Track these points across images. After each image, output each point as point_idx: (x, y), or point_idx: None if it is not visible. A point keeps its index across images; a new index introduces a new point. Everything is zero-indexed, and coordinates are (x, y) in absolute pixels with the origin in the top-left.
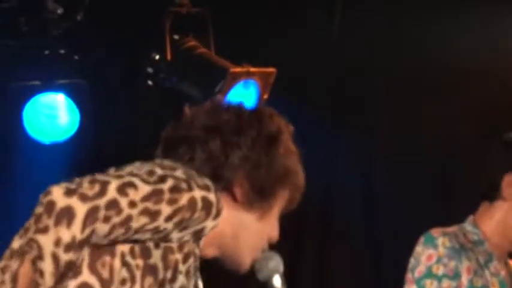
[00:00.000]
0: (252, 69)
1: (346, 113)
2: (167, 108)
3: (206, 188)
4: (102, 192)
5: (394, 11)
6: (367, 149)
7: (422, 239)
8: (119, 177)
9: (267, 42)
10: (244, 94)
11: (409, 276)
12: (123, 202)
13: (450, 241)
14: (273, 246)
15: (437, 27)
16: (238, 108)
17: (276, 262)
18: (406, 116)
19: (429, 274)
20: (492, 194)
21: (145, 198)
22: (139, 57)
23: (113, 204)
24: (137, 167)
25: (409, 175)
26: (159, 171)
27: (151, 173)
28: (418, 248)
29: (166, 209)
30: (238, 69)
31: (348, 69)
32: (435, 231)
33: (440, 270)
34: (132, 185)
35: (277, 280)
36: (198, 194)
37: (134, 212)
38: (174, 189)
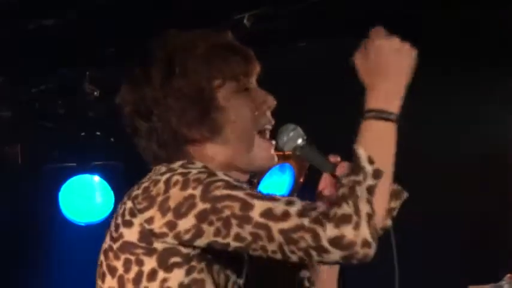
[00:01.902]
0: (288, 152)
1: None
2: None
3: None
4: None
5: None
6: None
7: None
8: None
9: (302, 118)
10: (279, 179)
11: None
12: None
13: None
14: None
15: None
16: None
17: (295, 131)
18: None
19: None
20: None
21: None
22: None
23: None
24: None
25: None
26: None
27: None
28: None
29: None
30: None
31: None
32: None
33: None
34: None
35: (301, 142)
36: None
37: None
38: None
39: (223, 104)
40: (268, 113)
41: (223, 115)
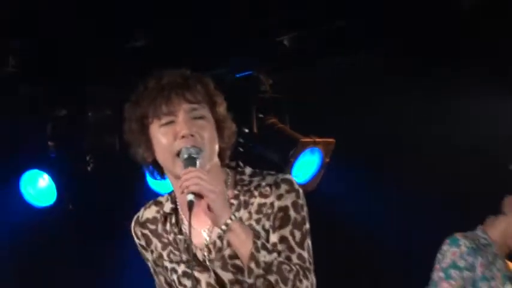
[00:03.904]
0: (317, 140)
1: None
2: None
3: None
4: None
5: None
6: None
7: (448, 241)
8: None
9: (331, 119)
10: (311, 158)
11: (437, 266)
12: None
13: (469, 242)
14: None
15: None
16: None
17: (187, 151)
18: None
19: (454, 265)
20: (497, 210)
21: None
22: None
23: None
24: None
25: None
26: None
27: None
28: (445, 247)
29: None
30: (306, 140)
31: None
32: (458, 235)
33: (462, 264)
34: None
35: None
36: None
37: None
38: None
39: (151, 135)
40: (183, 139)
41: (152, 143)
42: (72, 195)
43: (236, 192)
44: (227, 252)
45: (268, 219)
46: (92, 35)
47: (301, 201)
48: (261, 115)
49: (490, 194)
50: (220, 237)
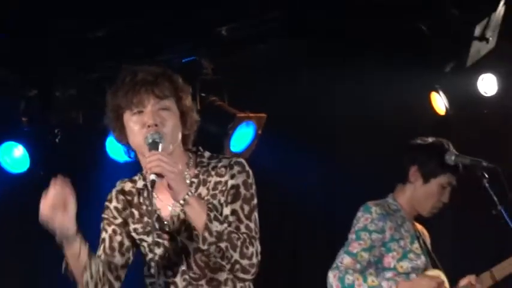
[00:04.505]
0: (251, 115)
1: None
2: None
3: None
4: None
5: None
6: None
7: (362, 208)
8: None
9: (262, 96)
10: (246, 130)
11: (351, 229)
12: None
13: (380, 209)
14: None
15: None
16: None
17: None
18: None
19: (364, 229)
20: (404, 179)
21: None
22: None
23: None
24: None
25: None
26: None
27: None
28: (359, 214)
29: None
30: (242, 115)
31: (315, 112)
32: (370, 203)
33: (372, 227)
34: None
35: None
36: None
37: None
38: None
39: (125, 122)
40: (148, 128)
41: (126, 130)
42: (43, 163)
43: (196, 172)
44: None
45: (222, 195)
46: (59, 25)
47: (251, 180)
48: (203, 94)
49: (400, 165)
50: (183, 211)
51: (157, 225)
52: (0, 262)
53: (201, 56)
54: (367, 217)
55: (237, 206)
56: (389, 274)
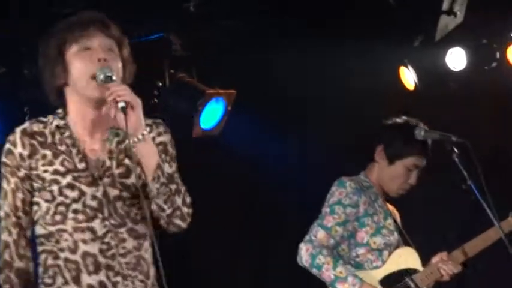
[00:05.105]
0: (220, 91)
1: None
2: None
3: None
4: None
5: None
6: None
7: (336, 182)
8: None
9: (232, 73)
10: (215, 107)
11: (325, 204)
12: None
13: (354, 184)
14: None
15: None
16: None
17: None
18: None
19: (339, 203)
20: (372, 158)
21: None
22: (147, 84)
23: None
24: None
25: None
26: None
27: None
28: (333, 188)
29: None
30: (211, 91)
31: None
32: (344, 178)
33: (346, 201)
34: None
35: (103, 77)
36: None
37: None
38: None
39: (67, 60)
40: (99, 62)
41: (68, 68)
42: None
43: None
44: (117, 171)
45: None
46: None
47: (173, 141)
48: (172, 71)
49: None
50: (110, 158)
51: (81, 166)
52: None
53: (169, 32)
54: (341, 191)
55: (166, 160)
56: (361, 250)
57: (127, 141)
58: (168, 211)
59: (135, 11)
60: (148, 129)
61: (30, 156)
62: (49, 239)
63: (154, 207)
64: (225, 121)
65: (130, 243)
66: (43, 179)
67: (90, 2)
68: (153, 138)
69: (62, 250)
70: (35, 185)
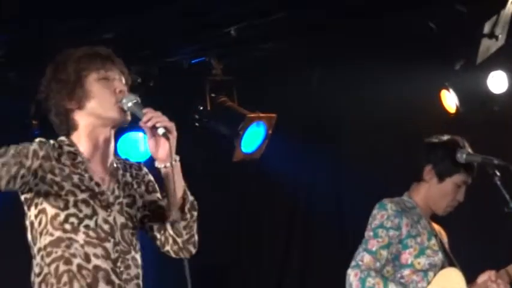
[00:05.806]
0: (261, 115)
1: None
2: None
3: None
4: None
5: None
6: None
7: (377, 205)
8: None
9: (271, 98)
10: (256, 131)
11: (368, 227)
12: None
13: (395, 206)
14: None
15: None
16: None
17: (129, 98)
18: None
19: (381, 226)
20: (419, 178)
21: None
22: (189, 109)
23: None
24: None
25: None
26: None
27: None
28: (375, 211)
29: None
30: (252, 115)
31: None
32: (386, 200)
33: (388, 224)
34: None
35: (131, 105)
36: None
37: None
38: None
39: (87, 85)
40: (119, 94)
41: (87, 93)
42: None
43: (116, 160)
44: (124, 200)
45: (144, 185)
46: (67, 27)
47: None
48: (213, 95)
49: (413, 164)
50: (118, 187)
51: (97, 190)
52: None
53: (210, 57)
54: (382, 214)
55: (163, 195)
56: (406, 271)
57: (128, 175)
58: (185, 237)
59: (177, 36)
60: (137, 167)
61: (45, 158)
62: (59, 244)
63: (171, 232)
64: (265, 145)
65: (133, 271)
66: (61, 187)
67: (130, 27)
68: (143, 176)
69: (74, 256)
70: (45, 188)
